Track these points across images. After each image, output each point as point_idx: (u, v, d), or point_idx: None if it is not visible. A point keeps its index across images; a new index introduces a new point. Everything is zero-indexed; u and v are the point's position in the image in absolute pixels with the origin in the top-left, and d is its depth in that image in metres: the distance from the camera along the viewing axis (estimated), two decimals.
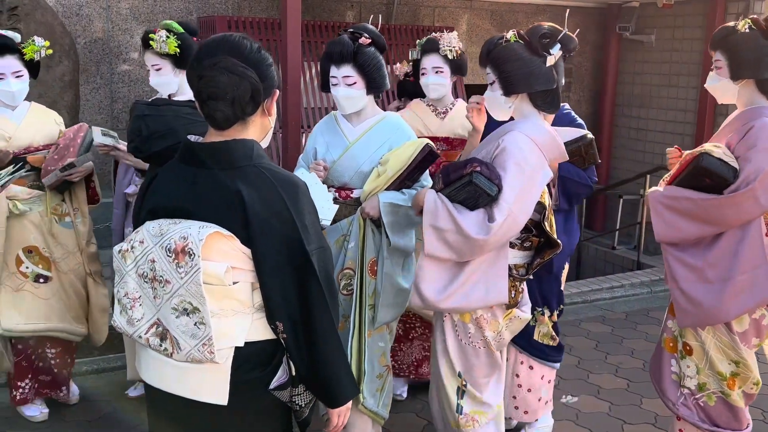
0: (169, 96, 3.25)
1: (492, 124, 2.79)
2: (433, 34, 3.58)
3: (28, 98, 3.25)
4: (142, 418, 2.95)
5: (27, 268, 3.28)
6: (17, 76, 3.13)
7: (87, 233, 3.42)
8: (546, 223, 2.55)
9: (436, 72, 3.50)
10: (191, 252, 1.76)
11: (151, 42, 3.10)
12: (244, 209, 1.80)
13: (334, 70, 2.86)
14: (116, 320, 1.90)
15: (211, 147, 1.86)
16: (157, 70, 3.18)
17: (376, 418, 3.03)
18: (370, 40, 2.85)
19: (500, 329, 2.62)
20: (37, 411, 3.48)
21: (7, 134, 3.18)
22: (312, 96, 5.82)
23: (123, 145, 3.33)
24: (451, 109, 3.63)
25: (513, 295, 2.61)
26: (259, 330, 1.88)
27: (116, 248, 1.89)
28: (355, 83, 2.84)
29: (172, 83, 3.22)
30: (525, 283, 2.71)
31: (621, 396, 3.97)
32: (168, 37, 3.09)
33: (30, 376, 3.43)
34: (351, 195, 2.96)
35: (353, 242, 2.91)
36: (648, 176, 6.74)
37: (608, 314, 5.35)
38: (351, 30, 2.88)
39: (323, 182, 2.91)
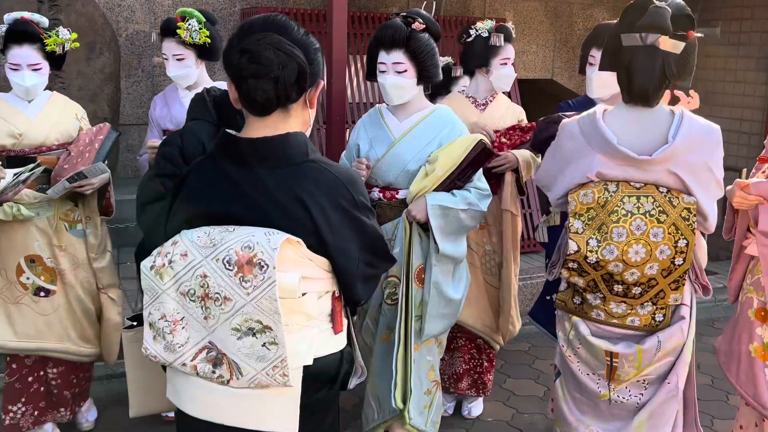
0: (188, 88, 3.09)
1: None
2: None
3: (68, 90, 3.03)
4: None
5: (28, 279, 2.95)
6: (34, 69, 2.86)
7: (97, 246, 3.07)
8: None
9: (511, 64, 3.36)
10: (262, 263, 1.52)
11: (178, 30, 2.93)
12: (308, 212, 1.60)
13: (383, 56, 2.64)
14: (148, 347, 1.66)
15: (262, 142, 1.63)
16: (180, 60, 3.02)
17: None
18: (424, 26, 2.64)
19: None
20: None
21: (18, 130, 2.88)
22: (358, 90, 5.61)
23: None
24: (491, 101, 3.38)
25: None
26: (324, 344, 1.68)
27: (146, 264, 1.65)
28: (405, 71, 2.62)
29: (193, 75, 3.08)
30: None
31: None
32: (200, 27, 2.92)
33: (24, 399, 3.05)
34: (396, 196, 2.74)
35: (398, 248, 2.70)
36: None
37: None
38: (404, 14, 2.66)
39: (366, 182, 2.70)
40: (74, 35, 2.99)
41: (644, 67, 2.27)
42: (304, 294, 1.61)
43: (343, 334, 1.76)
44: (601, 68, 2.50)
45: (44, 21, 2.93)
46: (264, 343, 1.57)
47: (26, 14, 2.89)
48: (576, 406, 2.61)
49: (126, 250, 3.30)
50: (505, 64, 3.30)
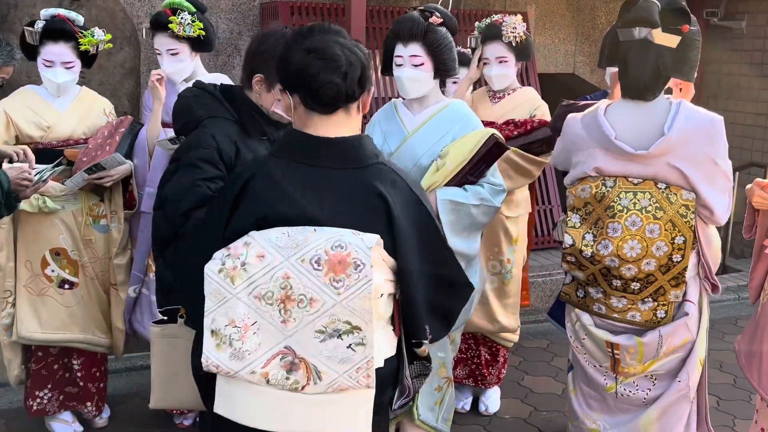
0: (185, 80, 3.02)
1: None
2: (494, 17, 3.29)
3: (88, 84, 3.04)
4: None
5: (53, 271, 3.00)
6: (67, 67, 2.89)
7: (120, 241, 3.10)
8: None
9: (500, 62, 3.25)
10: (358, 262, 1.50)
11: (171, 25, 2.88)
12: (388, 213, 1.59)
13: (400, 49, 2.63)
14: (209, 357, 1.58)
15: (342, 141, 1.66)
16: (174, 54, 2.96)
17: None
18: (441, 20, 2.62)
19: None
20: (69, 429, 3.20)
21: (46, 123, 2.93)
22: (376, 85, 5.60)
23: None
24: (509, 93, 3.36)
25: None
26: (387, 346, 1.68)
27: (212, 268, 1.59)
28: (422, 64, 2.60)
29: (187, 68, 3.02)
30: None
31: (711, 416, 3.58)
32: (193, 19, 2.87)
33: (50, 386, 3.14)
34: None
35: None
36: (737, 173, 6.23)
37: None
38: (421, 8, 2.66)
39: None
40: (108, 36, 3.00)
41: (637, 61, 2.31)
42: (381, 295, 1.61)
43: (396, 340, 1.75)
44: (599, 65, 2.61)
45: (80, 19, 2.95)
46: (350, 345, 1.53)
47: (62, 11, 2.91)
48: (584, 400, 2.63)
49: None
50: (487, 63, 3.28)
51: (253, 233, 1.61)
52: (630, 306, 2.43)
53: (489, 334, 3.43)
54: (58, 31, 2.85)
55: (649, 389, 2.50)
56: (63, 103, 2.99)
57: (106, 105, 3.16)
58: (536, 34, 6.48)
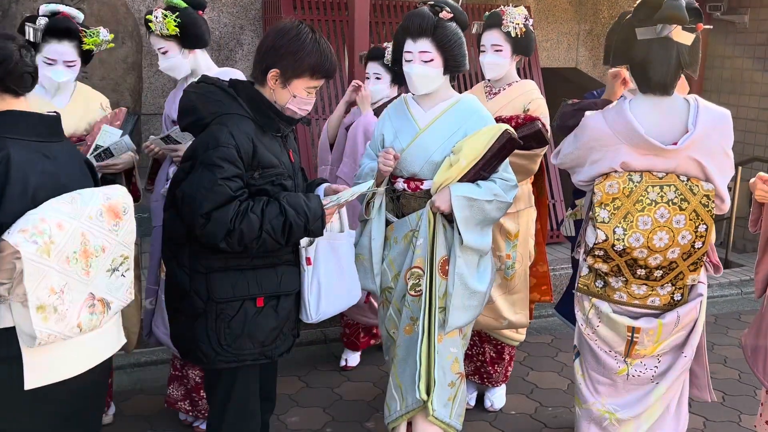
0: (189, 78, 2.98)
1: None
2: (501, 7, 3.25)
3: (90, 79, 2.99)
4: None
5: None
6: (69, 66, 2.85)
7: None
8: None
9: (495, 50, 3.20)
10: (126, 207, 2.08)
11: (150, 24, 2.85)
12: (93, 172, 2.21)
13: (409, 45, 2.60)
14: (41, 331, 1.83)
15: (50, 119, 2.10)
16: (164, 53, 2.94)
17: (449, 429, 2.78)
18: (451, 15, 2.60)
19: None
20: None
21: None
22: None
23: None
24: (505, 89, 3.30)
25: None
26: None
27: (28, 251, 1.78)
28: (432, 60, 2.58)
29: (181, 66, 2.97)
30: None
31: (716, 411, 3.60)
32: (165, 16, 2.83)
33: None
34: (421, 186, 2.70)
35: (422, 239, 2.66)
36: (740, 168, 6.23)
37: None
38: (431, 3, 2.62)
39: (391, 173, 2.70)
40: (112, 36, 2.96)
41: (661, 58, 2.41)
42: None
43: None
44: (609, 63, 2.66)
45: (80, 16, 2.91)
46: (122, 273, 2.01)
47: (63, 8, 2.86)
48: (592, 385, 2.73)
49: (148, 239, 3.30)
50: (483, 51, 3.26)
51: (42, 208, 1.83)
52: (650, 292, 2.57)
53: (495, 330, 3.41)
54: (63, 30, 2.81)
55: (656, 366, 2.65)
56: (62, 100, 2.95)
57: (102, 99, 3.12)
58: (538, 29, 6.45)
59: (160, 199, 3.05)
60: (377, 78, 3.62)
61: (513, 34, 3.16)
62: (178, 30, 2.87)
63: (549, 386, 3.85)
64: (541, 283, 3.51)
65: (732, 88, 7.10)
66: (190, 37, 2.93)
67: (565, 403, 3.64)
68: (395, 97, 3.40)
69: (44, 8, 2.86)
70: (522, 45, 3.22)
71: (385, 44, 3.58)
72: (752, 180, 2.61)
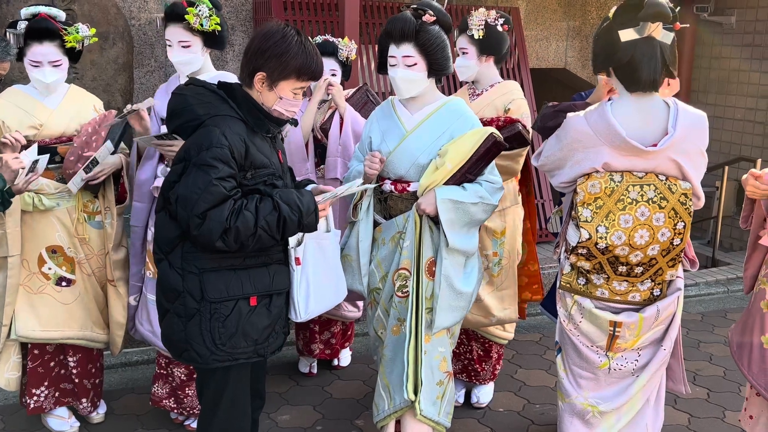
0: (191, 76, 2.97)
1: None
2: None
3: (81, 80, 3.01)
4: None
5: (50, 269, 3.00)
6: (55, 65, 2.87)
7: (114, 236, 3.08)
8: None
9: (462, 53, 3.26)
10: None
11: (187, 16, 2.85)
12: None
13: (393, 49, 2.63)
14: None
15: None
16: (185, 47, 2.92)
17: (437, 427, 2.82)
18: (434, 18, 2.62)
19: None
20: (66, 425, 3.21)
21: (39, 121, 2.91)
22: (370, 80, 5.61)
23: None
24: (487, 90, 3.32)
25: None
26: None
27: None
28: (415, 64, 2.61)
29: (196, 62, 2.97)
30: None
31: (701, 408, 3.66)
32: (212, 13, 2.87)
33: (46, 383, 3.13)
34: (407, 188, 2.74)
35: (409, 240, 2.70)
36: (726, 167, 6.30)
37: (682, 315, 4.99)
38: (414, 6, 2.64)
39: (378, 175, 2.73)
40: (93, 30, 2.97)
41: (649, 56, 2.46)
42: None
43: None
44: (595, 71, 2.69)
45: (61, 15, 2.92)
46: None
47: (43, 9, 2.87)
48: (574, 380, 2.79)
49: None
50: (457, 55, 3.28)
51: None
52: (631, 288, 2.65)
53: (484, 328, 3.44)
54: (42, 30, 2.83)
55: (636, 360, 2.72)
56: (54, 100, 2.98)
57: (95, 101, 3.15)
58: (527, 30, 6.49)
59: (146, 200, 3.07)
60: (332, 74, 3.55)
61: (476, 36, 3.19)
62: (219, 28, 2.91)
63: (537, 384, 3.90)
64: (533, 282, 3.54)
65: (719, 89, 7.16)
66: (218, 37, 2.96)
67: (552, 401, 3.68)
68: (356, 91, 3.57)
69: (24, 12, 2.89)
70: (488, 45, 3.22)
71: (330, 38, 3.57)
72: (744, 176, 2.70)
